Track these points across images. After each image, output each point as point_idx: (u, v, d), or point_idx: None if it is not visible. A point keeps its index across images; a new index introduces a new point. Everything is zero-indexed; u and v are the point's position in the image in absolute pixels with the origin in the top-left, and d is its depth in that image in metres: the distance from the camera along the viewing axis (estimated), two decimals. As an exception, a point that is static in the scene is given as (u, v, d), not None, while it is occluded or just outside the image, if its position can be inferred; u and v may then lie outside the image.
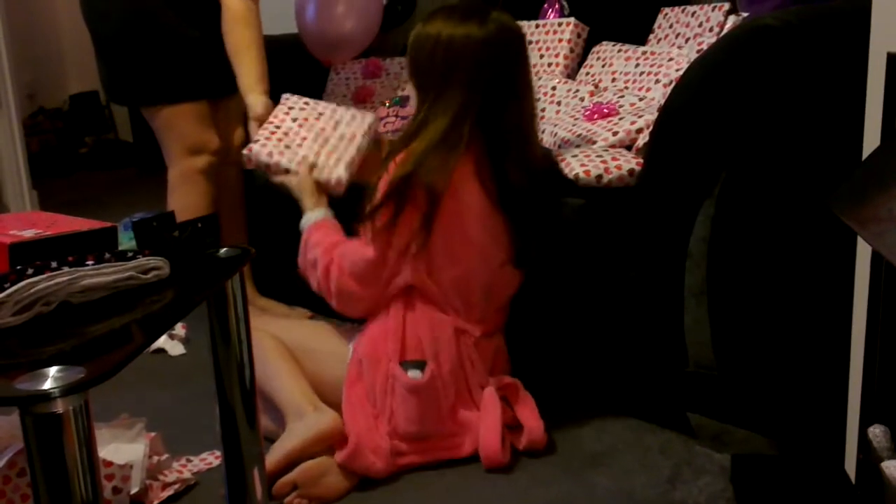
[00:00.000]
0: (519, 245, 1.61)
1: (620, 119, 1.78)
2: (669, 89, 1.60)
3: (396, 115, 2.34)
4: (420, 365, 1.57)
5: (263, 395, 1.58)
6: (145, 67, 2.21)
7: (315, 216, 1.75)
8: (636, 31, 2.15)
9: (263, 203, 2.39)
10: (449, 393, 1.58)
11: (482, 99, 1.56)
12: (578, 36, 2.25)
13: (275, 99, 2.02)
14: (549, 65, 2.24)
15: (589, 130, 1.79)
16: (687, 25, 1.97)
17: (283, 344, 1.69)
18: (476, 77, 1.55)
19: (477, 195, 1.57)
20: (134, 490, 1.48)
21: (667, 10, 2.09)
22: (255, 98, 2.02)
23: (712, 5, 1.92)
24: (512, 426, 1.62)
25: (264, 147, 1.85)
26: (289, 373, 1.63)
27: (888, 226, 0.92)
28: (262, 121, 1.95)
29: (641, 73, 1.97)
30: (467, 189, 1.56)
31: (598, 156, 1.65)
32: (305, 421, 1.56)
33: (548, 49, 2.26)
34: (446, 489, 1.53)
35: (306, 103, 1.96)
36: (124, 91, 2.30)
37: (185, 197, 2.25)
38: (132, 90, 2.26)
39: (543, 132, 1.93)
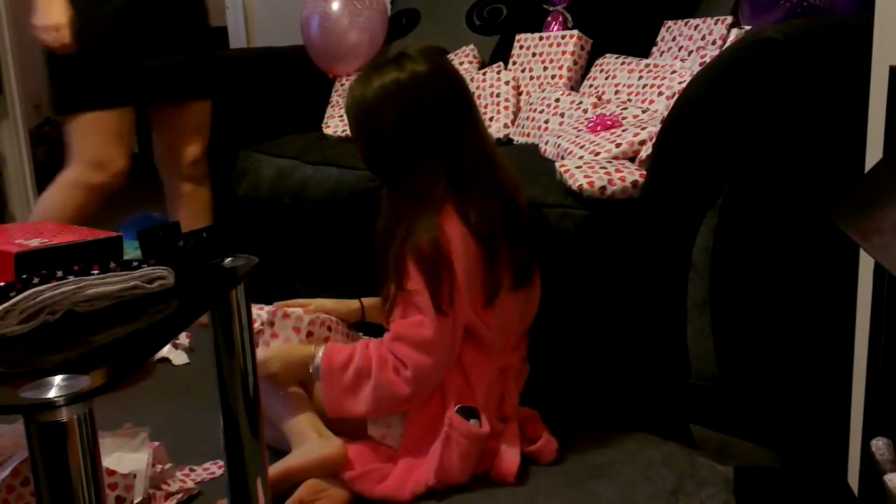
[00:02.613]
0: (520, 263, 1.61)
1: (624, 131, 1.79)
2: (672, 101, 1.61)
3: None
4: (474, 412, 1.55)
5: (268, 422, 1.58)
6: (65, 70, 2.12)
7: (318, 352, 1.56)
8: (639, 44, 2.16)
9: (256, 216, 2.41)
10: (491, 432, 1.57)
11: (447, 132, 1.55)
12: (582, 48, 2.26)
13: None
14: (553, 77, 2.25)
15: (592, 142, 1.79)
16: (690, 38, 1.98)
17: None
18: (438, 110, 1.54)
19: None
20: (137, 499, 1.48)
21: (670, 23, 2.10)
22: None
23: (715, 18, 1.93)
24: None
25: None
26: (295, 400, 1.62)
27: (891, 238, 0.92)
28: None
29: (645, 86, 1.97)
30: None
31: (601, 167, 1.66)
32: (309, 445, 1.56)
33: (551, 61, 2.27)
34: (449, 500, 1.53)
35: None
36: (51, 96, 2.19)
37: (54, 199, 2.16)
38: (56, 95, 2.17)
39: (547, 143, 1.94)
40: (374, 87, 1.55)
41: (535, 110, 2.15)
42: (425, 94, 1.54)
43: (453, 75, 1.61)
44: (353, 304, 1.79)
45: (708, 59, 1.66)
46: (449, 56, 2.56)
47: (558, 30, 2.37)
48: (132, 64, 2.16)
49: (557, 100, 2.11)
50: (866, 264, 1.24)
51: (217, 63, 2.40)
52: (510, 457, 1.56)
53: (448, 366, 1.55)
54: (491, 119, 2.23)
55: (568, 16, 2.38)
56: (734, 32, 1.85)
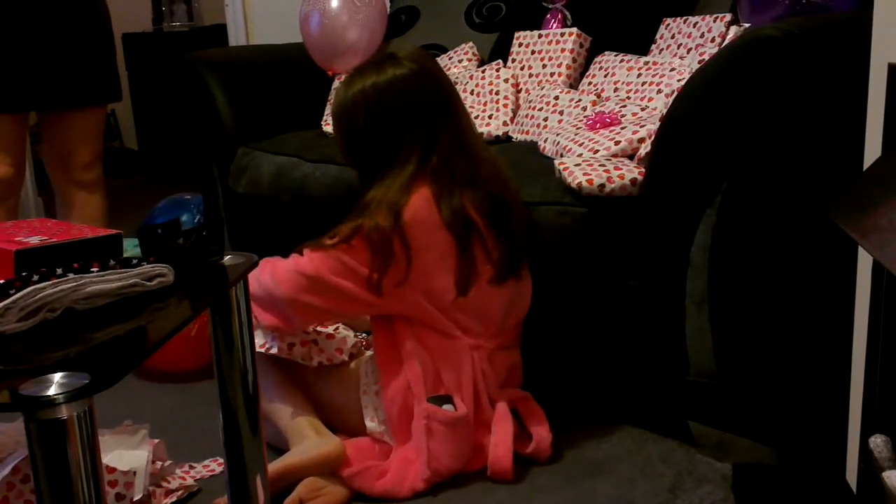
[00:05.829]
0: (503, 257, 1.59)
1: (622, 129, 1.79)
2: (671, 99, 1.61)
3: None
4: (447, 399, 1.55)
5: (267, 420, 1.58)
6: None
7: None
8: (638, 42, 2.16)
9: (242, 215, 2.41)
10: (472, 416, 1.56)
11: (425, 129, 1.57)
12: (581, 46, 2.26)
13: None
14: (552, 74, 2.25)
15: (591, 140, 1.79)
16: (689, 36, 1.98)
17: (286, 371, 1.66)
18: (415, 110, 1.57)
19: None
20: (137, 497, 1.48)
21: (669, 20, 2.10)
22: None
23: (714, 16, 1.93)
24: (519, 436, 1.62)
25: None
26: (292, 399, 1.63)
27: (889, 236, 0.93)
28: None
29: (643, 83, 1.97)
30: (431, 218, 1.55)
31: (600, 165, 1.66)
32: (307, 443, 1.56)
33: (550, 59, 2.27)
34: (446, 496, 1.53)
35: None
36: None
37: None
38: None
39: (546, 141, 1.94)
40: (353, 90, 1.60)
41: (534, 108, 2.15)
42: (401, 99, 1.57)
43: (435, 79, 1.62)
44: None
45: (707, 57, 1.67)
46: (448, 54, 2.56)
47: (557, 27, 2.37)
48: (18, 70, 2.10)
49: (556, 97, 2.11)
50: (865, 262, 1.24)
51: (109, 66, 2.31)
52: (503, 452, 1.55)
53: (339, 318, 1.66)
54: (490, 117, 2.23)
55: (567, 13, 2.38)
56: (733, 30, 1.85)
